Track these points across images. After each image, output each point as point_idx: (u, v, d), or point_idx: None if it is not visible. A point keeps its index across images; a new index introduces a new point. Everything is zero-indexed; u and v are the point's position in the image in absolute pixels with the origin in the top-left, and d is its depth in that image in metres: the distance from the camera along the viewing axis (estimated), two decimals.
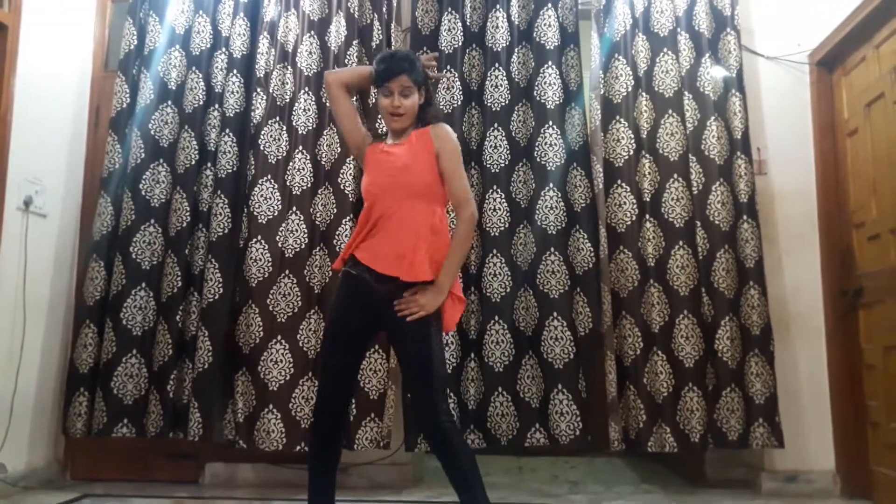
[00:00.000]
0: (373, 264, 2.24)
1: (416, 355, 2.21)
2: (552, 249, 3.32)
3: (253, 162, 3.44)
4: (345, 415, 2.42)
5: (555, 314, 3.27)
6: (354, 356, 2.37)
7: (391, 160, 2.33)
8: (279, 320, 3.29)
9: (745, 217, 3.31)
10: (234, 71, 3.53)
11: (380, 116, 2.49)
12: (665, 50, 3.48)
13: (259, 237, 3.35)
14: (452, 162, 2.34)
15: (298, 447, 3.20)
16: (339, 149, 3.43)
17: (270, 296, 3.31)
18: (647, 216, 3.34)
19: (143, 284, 3.38)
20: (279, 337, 3.28)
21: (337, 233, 3.36)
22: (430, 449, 2.34)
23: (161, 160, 3.49)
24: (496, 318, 3.28)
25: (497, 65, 3.47)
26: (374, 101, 3.33)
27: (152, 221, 3.43)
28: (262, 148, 3.43)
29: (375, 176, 2.34)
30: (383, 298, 2.23)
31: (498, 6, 3.51)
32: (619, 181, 3.38)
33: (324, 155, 3.44)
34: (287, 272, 3.33)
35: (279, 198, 3.40)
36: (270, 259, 3.34)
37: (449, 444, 2.14)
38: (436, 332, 2.24)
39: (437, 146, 2.32)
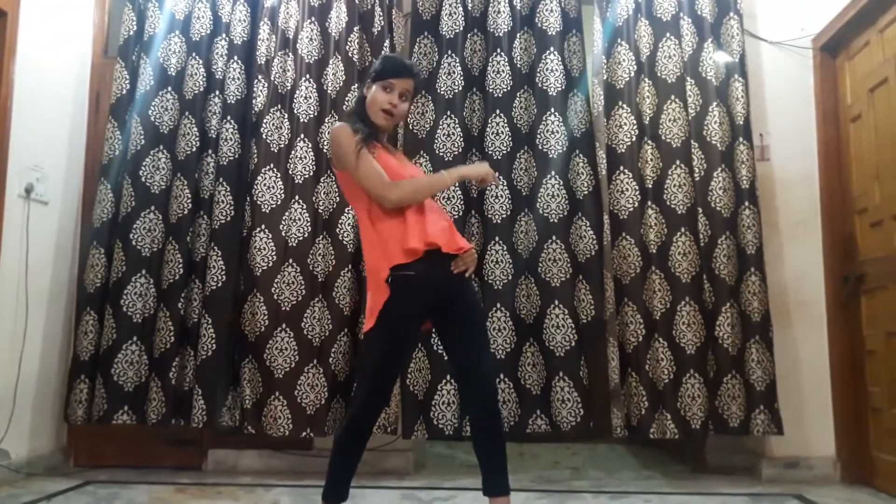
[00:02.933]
0: (449, 246, 2.26)
1: (480, 321, 2.45)
2: (554, 237, 3.32)
3: (255, 150, 3.42)
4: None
5: (556, 302, 3.27)
6: (410, 357, 2.49)
7: (401, 167, 2.34)
8: (283, 309, 3.29)
9: (746, 203, 3.30)
10: (235, 57, 3.51)
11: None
12: (668, 35, 3.46)
13: (262, 226, 3.34)
14: None
15: (304, 433, 3.21)
16: None
17: (275, 284, 3.30)
18: (650, 203, 3.34)
19: (144, 271, 3.36)
20: (284, 325, 3.28)
21: (339, 221, 3.35)
22: (472, 409, 2.31)
23: (161, 147, 3.46)
24: (498, 305, 3.29)
25: (499, 50, 3.45)
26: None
27: (152, 208, 3.41)
28: (264, 136, 3.42)
29: (400, 173, 2.31)
30: (451, 279, 2.30)
31: None
32: (621, 167, 3.36)
33: (325, 143, 3.42)
34: (290, 261, 3.32)
35: (282, 187, 3.39)
36: (274, 248, 3.33)
37: (495, 406, 2.29)
38: None
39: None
